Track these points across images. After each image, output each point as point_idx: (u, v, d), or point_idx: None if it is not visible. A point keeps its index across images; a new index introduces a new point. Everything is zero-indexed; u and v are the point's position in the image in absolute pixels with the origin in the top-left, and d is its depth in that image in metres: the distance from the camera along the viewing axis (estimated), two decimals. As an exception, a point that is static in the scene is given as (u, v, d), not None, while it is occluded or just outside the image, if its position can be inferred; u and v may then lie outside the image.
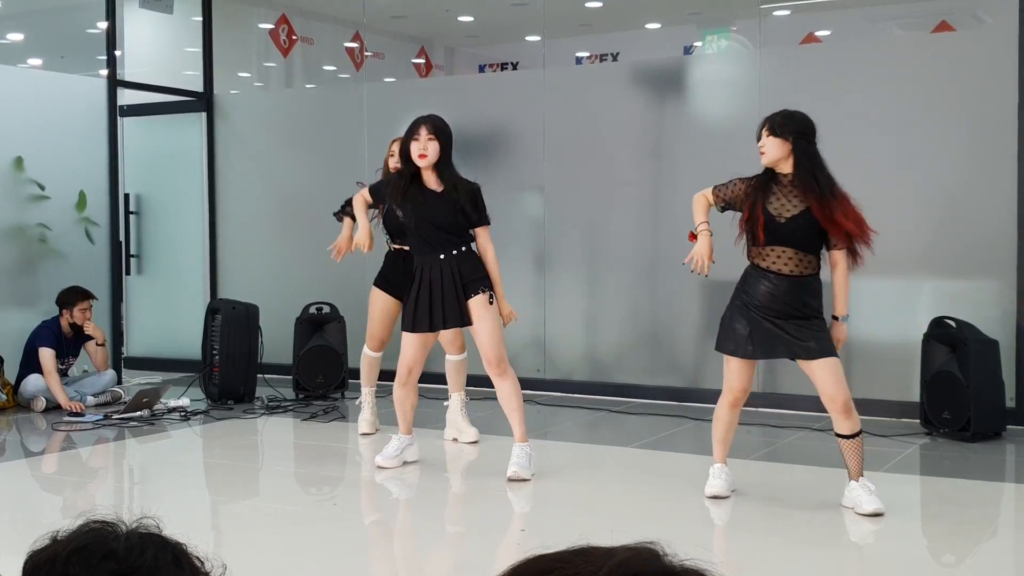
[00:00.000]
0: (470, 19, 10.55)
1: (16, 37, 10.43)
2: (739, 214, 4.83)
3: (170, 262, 9.59)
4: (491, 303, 5.35)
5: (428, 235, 5.32)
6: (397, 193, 5.38)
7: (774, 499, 5.00)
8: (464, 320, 5.39)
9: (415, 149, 5.27)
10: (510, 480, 5.30)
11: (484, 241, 5.41)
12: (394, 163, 6.02)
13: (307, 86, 10.51)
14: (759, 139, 4.77)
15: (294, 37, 10.00)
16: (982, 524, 4.74)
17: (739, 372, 4.79)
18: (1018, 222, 6.57)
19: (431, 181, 5.36)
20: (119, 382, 8.19)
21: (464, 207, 5.31)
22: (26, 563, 1.13)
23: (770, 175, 4.76)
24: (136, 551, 1.12)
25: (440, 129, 5.32)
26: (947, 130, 6.81)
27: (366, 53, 9.81)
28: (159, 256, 9.61)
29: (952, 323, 6.38)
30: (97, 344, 7.73)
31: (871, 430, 6.40)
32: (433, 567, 4.39)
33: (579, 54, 9.51)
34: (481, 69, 10.34)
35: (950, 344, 6.32)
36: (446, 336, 6.01)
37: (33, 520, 4.84)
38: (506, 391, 5.39)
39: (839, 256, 4.70)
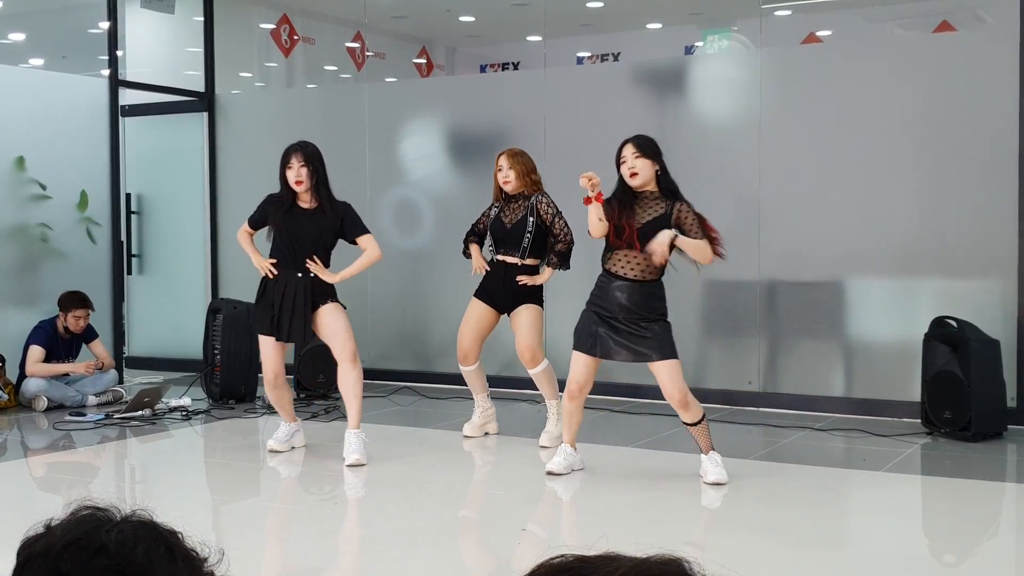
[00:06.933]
0: (471, 19, 10.56)
1: (18, 37, 10.44)
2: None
3: (171, 262, 9.60)
4: (342, 307, 5.92)
5: (294, 250, 5.82)
6: (278, 212, 5.88)
7: (774, 499, 5.00)
8: (306, 336, 5.91)
9: (291, 176, 5.84)
10: (349, 467, 5.61)
11: (367, 244, 5.92)
12: (502, 178, 6.15)
13: (308, 86, 10.52)
14: (622, 159, 5.21)
15: (295, 37, 10.01)
16: (983, 524, 4.75)
17: (582, 366, 5.30)
18: (1019, 221, 6.57)
19: (305, 201, 5.92)
20: (120, 381, 8.19)
21: (343, 223, 5.89)
22: (20, 552, 1.14)
23: (630, 195, 5.23)
24: (128, 544, 1.10)
25: (311, 156, 5.87)
26: (948, 130, 6.80)
27: (367, 53, 9.82)
28: (160, 256, 9.61)
29: (953, 323, 6.38)
30: (99, 363, 7.69)
31: (872, 430, 6.41)
32: (434, 566, 4.39)
33: (580, 54, 9.51)
34: (482, 69, 10.35)
35: (951, 344, 6.32)
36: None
37: (34, 519, 4.84)
38: (352, 379, 5.79)
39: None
